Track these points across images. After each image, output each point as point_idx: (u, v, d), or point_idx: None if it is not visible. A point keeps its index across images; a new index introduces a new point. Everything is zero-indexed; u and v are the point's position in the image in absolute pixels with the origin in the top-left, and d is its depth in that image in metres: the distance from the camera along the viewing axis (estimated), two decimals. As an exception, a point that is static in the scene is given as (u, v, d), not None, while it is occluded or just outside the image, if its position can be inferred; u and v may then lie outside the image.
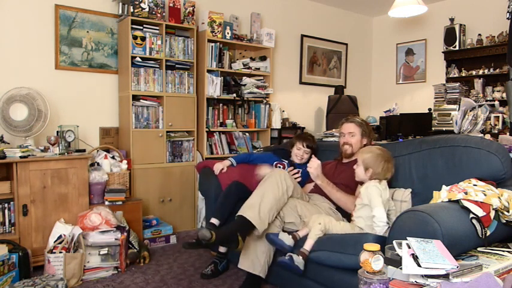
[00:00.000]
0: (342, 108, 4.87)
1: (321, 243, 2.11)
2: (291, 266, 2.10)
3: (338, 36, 5.60)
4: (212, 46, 3.94)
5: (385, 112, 5.46)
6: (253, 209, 2.24)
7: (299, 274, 2.14)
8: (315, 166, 2.41)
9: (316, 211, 2.40)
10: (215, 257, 2.78)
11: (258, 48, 4.43)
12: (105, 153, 3.36)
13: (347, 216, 2.38)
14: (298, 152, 2.90)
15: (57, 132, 3.04)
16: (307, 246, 2.13)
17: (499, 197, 1.74)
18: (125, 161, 3.33)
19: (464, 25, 4.91)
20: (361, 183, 2.24)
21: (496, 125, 4.13)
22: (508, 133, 3.71)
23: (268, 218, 2.26)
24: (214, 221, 2.61)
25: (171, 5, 3.72)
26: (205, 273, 2.68)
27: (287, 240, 2.16)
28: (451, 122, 4.09)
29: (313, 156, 2.51)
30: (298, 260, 2.11)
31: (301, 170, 2.86)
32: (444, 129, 4.11)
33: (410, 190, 2.31)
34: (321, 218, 2.20)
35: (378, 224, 2.02)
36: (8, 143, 2.97)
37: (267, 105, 4.35)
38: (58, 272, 2.51)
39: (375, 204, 2.05)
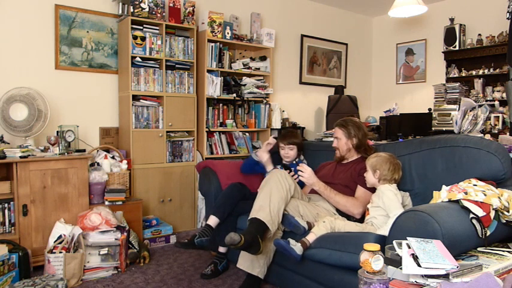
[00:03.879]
0: (342, 108, 4.87)
1: (322, 241, 2.12)
2: (285, 248, 2.11)
3: (338, 36, 5.60)
4: (212, 46, 3.94)
5: (385, 112, 5.46)
6: (264, 211, 2.23)
7: (295, 260, 2.14)
8: (307, 176, 2.40)
9: (317, 211, 2.40)
10: (215, 257, 2.78)
11: (258, 48, 4.43)
12: (105, 153, 3.36)
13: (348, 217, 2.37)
14: (283, 152, 2.93)
15: (57, 132, 3.04)
16: (309, 238, 2.16)
17: (499, 197, 1.74)
18: (125, 161, 3.33)
19: (464, 25, 4.91)
20: (373, 190, 2.25)
21: (496, 125, 4.13)
22: (508, 133, 3.70)
23: (278, 218, 2.26)
24: (214, 219, 2.61)
25: (171, 5, 3.72)
26: (205, 273, 2.68)
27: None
28: (451, 122, 4.09)
29: (303, 164, 2.47)
30: (295, 244, 2.12)
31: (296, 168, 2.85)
32: (444, 129, 4.11)
33: (408, 194, 2.30)
34: (326, 217, 2.22)
35: None
36: (8, 143, 2.98)
37: (267, 105, 4.35)
38: (58, 272, 2.51)
39: (395, 207, 2.05)
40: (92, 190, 3.03)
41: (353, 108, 4.99)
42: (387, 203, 2.10)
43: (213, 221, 2.61)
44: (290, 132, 3.04)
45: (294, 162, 2.93)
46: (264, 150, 2.88)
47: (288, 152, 2.91)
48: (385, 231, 1.91)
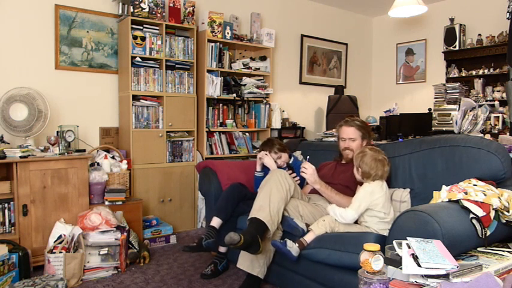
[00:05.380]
0: (342, 108, 4.87)
1: (322, 241, 2.12)
2: (282, 249, 2.12)
3: (338, 36, 5.60)
4: (212, 46, 3.94)
5: (385, 112, 5.46)
6: (264, 211, 2.23)
7: (292, 260, 2.15)
8: (310, 172, 2.39)
9: (317, 211, 2.40)
10: (215, 257, 2.78)
11: (258, 48, 4.43)
12: (105, 153, 3.36)
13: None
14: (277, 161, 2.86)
15: (57, 132, 3.04)
16: (307, 238, 2.16)
17: (499, 197, 1.74)
18: (125, 161, 3.33)
19: (464, 25, 4.91)
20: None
21: (496, 125, 4.13)
22: (508, 133, 3.70)
23: (278, 218, 2.27)
24: (217, 220, 2.61)
25: (171, 5, 3.72)
26: (205, 273, 2.68)
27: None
28: (451, 122, 4.09)
29: (307, 162, 2.47)
30: (292, 246, 2.13)
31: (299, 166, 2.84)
32: (444, 129, 4.11)
33: (409, 190, 2.31)
34: (326, 216, 2.22)
35: (340, 217, 2.12)
36: (8, 143, 2.98)
37: (267, 105, 4.35)
38: (58, 272, 2.51)
39: (352, 206, 2.10)
40: (92, 190, 3.03)
41: (353, 108, 4.99)
42: (356, 194, 2.14)
43: (216, 222, 2.61)
44: (265, 143, 2.93)
45: (290, 162, 2.92)
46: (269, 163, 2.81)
47: (277, 160, 2.85)
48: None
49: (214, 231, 2.58)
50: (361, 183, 2.33)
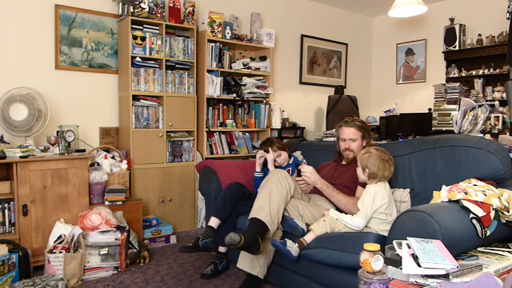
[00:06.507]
0: (342, 108, 4.87)
1: (322, 241, 2.12)
2: (282, 249, 2.13)
3: (338, 36, 5.61)
4: (212, 46, 3.94)
5: (385, 112, 5.46)
6: (264, 211, 2.23)
7: (292, 260, 2.16)
8: (309, 173, 2.40)
9: (317, 211, 2.40)
10: (215, 257, 2.78)
11: (258, 48, 4.43)
12: (105, 153, 3.36)
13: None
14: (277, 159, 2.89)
15: (57, 132, 3.04)
16: (307, 238, 2.16)
17: (499, 197, 1.74)
18: (125, 161, 3.33)
19: (464, 25, 4.91)
20: (365, 184, 2.25)
21: (496, 125, 4.13)
22: (508, 133, 3.70)
23: (278, 218, 2.27)
24: (214, 220, 2.61)
25: (171, 5, 3.72)
26: (205, 273, 2.68)
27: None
28: (451, 122, 4.09)
29: (303, 165, 2.48)
30: (291, 246, 2.13)
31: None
32: (444, 129, 4.11)
33: (409, 190, 2.31)
34: (327, 216, 2.22)
35: (353, 227, 2.11)
36: (8, 143, 2.98)
37: (267, 105, 4.35)
38: (58, 272, 2.51)
39: (360, 214, 2.09)
40: (92, 190, 3.03)
41: (353, 108, 4.99)
42: (361, 199, 2.13)
43: (214, 222, 2.61)
44: (265, 142, 2.96)
45: (290, 161, 2.92)
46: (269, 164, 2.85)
47: (277, 158, 2.87)
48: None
49: (211, 231, 2.58)
50: (362, 184, 2.33)
